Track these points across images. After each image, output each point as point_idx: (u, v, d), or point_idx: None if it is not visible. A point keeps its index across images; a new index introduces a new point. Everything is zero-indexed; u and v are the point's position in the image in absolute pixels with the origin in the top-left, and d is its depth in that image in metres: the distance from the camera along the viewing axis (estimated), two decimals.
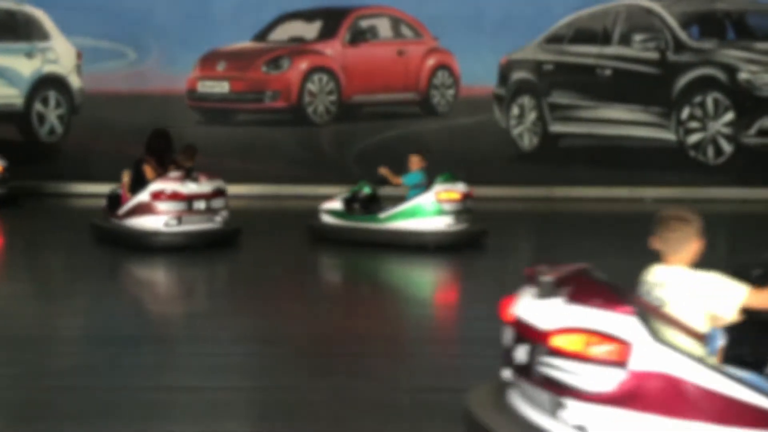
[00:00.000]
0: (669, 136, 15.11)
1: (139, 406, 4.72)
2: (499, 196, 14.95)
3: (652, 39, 14.98)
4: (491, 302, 7.69)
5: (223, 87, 15.45)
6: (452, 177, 9.78)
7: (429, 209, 9.50)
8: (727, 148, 15.02)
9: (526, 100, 15.52)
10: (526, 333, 3.37)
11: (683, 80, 14.85)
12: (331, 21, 15.65)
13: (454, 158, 15.44)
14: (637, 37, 15.03)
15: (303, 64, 15.38)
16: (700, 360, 3.13)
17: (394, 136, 15.61)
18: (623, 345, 3.10)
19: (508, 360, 3.52)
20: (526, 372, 3.35)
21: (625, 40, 15.11)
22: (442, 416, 4.62)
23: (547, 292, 3.38)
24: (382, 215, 9.71)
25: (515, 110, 15.56)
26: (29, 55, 15.47)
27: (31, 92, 15.48)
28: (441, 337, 6.44)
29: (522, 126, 15.57)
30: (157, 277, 9.00)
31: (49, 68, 15.51)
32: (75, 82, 15.57)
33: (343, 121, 15.59)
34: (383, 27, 15.77)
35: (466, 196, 9.70)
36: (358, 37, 15.60)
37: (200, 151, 15.95)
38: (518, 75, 15.52)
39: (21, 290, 8.00)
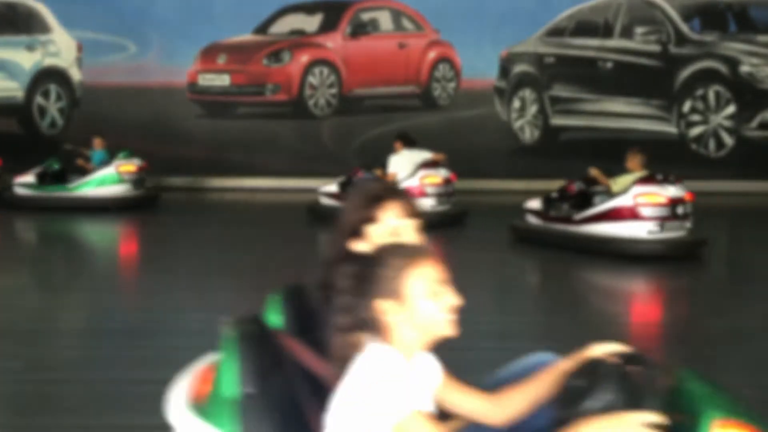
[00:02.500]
0: (670, 129, 15.08)
1: (139, 399, 4.72)
2: (499, 189, 14.94)
3: (654, 32, 14.95)
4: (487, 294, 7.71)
5: (223, 80, 15.43)
6: (130, 153, 12.43)
7: (112, 179, 12.08)
8: (728, 141, 15.00)
9: (527, 93, 15.50)
10: None
11: (685, 73, 14.82)
12: (332, 14, 15.62)
13: (455, 151, 15.43)
14: (639, 30, 15.00)
15: (304, 57, 15.36)
16: None
17: (395, 129, 15.55)
18: None
19: None
20: None
21: (627, 32, 15.08)
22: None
23: None
24: (71, 185, 12.11)
25: (516, 103, 15.54)
26: (30, 48, 15.45)
27: (31, 85, 15.47)
28: None
29: (523, 119, 15.55)
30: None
31: (49, 61, 15.49)
32: (75, 75, 15.56)
33: (344, 114, 15.57)
34: (384, 20, 15.75)
35: (141, 169, 12.38)
36: (359, 29, 15.57)
37: (202, 144, 15.99)
38: (519, 68, 15.50)
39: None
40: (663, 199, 8.51)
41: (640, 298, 7.73)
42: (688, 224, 8.75)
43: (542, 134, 15.46)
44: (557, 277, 8.38)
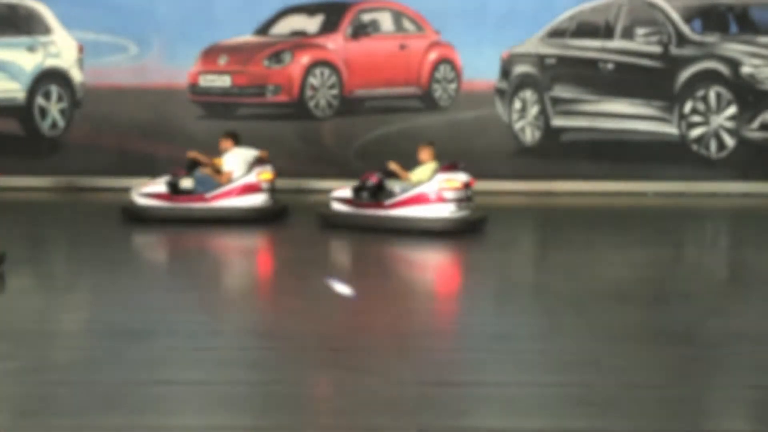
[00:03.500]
0: (671, 130, 15.07)
1: (140, 400, 4.72)
2: (500, 190, 14.93)
3: (655, 33, 14.93)
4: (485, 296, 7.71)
5: (224, 81, 15.43)
6: None
7: None
8: (729, 142, 14.99)
9: (528, 94, 15.49)
10: None
11: (686, 74, 14.81)
12: (333, 15, 15.61)
13: (456, 152, 15.41)
14: (640, 31, 14.99)
15: (305, 58, 15.36)
16: None
17: (396, 131, 15.58)
18: None
19: None
20: None
21: (628, 33, 15.07)
22: (446, 410, 4.62)
23: None
24: None
25: (517, 104, 15.53)
26: (31, 49, 15.45)
27: (32, 86, 15.45)
28: (444, 331, 6.43)
29: (524, 120, 15.54)
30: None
31: (50, 62, 15.49)
32: (77, 76, 15.55)
33: (345, 115, 15.55)
34: (385, 21, 15.74)
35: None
36: (360, 31, 15.56)
37: (202, 144, 15.97)
38: (520, 69, 15.48)
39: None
40: (459, 184, 10.30)
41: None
42: (472, 204, 10.58)
43: (543, 135, 15.45)
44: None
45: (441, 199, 10.25)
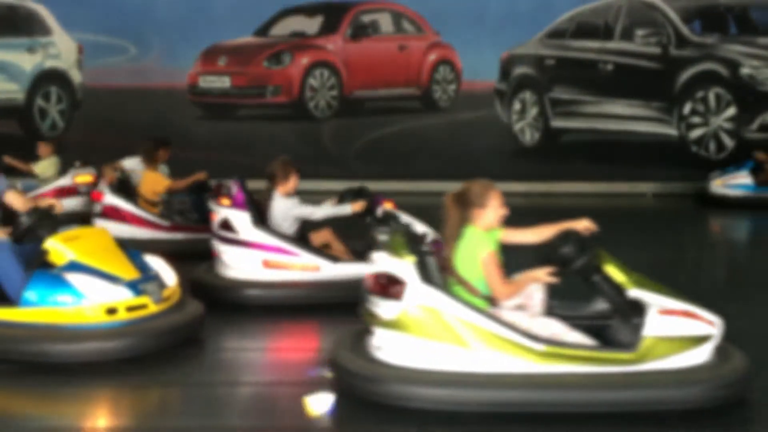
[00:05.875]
0: (671, 131, 15.09)
1: (139, 402, 4.72)
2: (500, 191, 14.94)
3: (654, 34, 14.95)
4: None
5: (224, 82, 15.44)
6: None
7: None
8: (728, 143, 15.00)
9: (528, 95, 15.51)
10: None
11: (685, 75, 14.82)
12: (333, 16, 15.63)
13: (455, 153, 15.44)
14: (639, 32, 15.01)
15: (304, 59, 15.37)
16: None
17: (396, 131, 15.60)
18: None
19: None
20: None
21: (627, 34, 15.09)
22: (448, 414, 4.62)
23: None
24: None
25: (517, 105, 15.55)
26: (30, 50, 15.46)
27: (32, 87, 15.47)
28: None
29: (523, 121, 15.56)
30: None
31: (50, 63, 15.50)
32: (76, 76, 15.56)
33: (345, 116, 15.57)
34: (385, 22, 15.76)
35: None
36: (360, 32, 15.58)
37: (201, 145, 16.00)
38: (520, 70, 15.50)
39: None
40: (90, 179, 11.14)
41: None
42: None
43: (543, 136, 15.47)
44: None
45: (76, 192, 11.05)
